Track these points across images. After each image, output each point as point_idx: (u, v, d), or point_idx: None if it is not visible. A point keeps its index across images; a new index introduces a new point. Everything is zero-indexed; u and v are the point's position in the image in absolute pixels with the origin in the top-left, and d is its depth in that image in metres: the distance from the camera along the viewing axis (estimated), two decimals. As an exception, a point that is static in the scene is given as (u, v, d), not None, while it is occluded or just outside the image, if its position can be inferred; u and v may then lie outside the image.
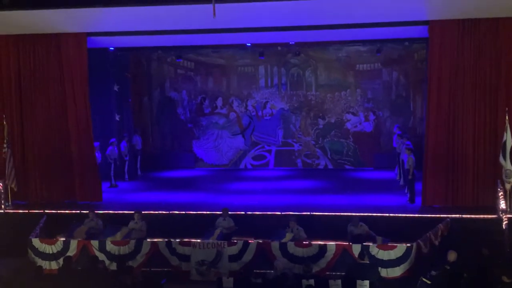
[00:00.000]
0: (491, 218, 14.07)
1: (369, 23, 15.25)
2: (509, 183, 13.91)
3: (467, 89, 14.90)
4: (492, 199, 14.55)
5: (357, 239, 13.00)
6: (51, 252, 13.37)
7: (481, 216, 14.22)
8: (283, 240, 12.96)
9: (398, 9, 14.48)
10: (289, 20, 15.34)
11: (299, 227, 13.22)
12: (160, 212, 15.13)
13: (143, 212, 14.21)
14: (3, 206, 15.90)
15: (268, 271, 11.88)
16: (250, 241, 13.15)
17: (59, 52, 16.36)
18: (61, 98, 16.56)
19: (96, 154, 17.84)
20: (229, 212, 13.94)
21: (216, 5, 12.04)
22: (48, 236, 14.31)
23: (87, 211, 14.56)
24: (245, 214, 14.59)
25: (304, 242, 12.93)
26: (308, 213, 14.55)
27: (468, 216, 14.26)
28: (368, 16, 14.88)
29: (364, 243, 12.64)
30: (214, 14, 11.85)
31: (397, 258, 12.37)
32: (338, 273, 12.13)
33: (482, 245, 11.77)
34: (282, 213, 14.55)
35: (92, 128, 16.77)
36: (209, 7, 12.03)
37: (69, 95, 16.48)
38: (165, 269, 12.91)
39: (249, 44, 19.14)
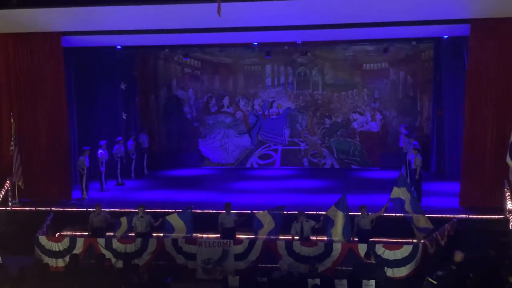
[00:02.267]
0: (498, 219, 14.02)
1: (398, 21, 15.14)
2: (516, 183, 13.86)
3: (507, 88, 14.72)
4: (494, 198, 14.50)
5: (363, 235, 13.02)
6: (57, 250, 13.41)
7: (488, 216, 14.18)
8: (292, 230, 13.12)
9: (440, 7, 14.34)
10: (296, 20, 15.32)
11: (308, 219, 13.21)
12: (166, 210, 15.14)
13: (150, 210, 14.22)
14: (10, 204, 15.96)
15: (274, 265, 11.93)
16: (255, 236, 13.24)
17: (40, 51, 16.49)
18: (43, 97, 16.60)
19: (103, 152, 17.93)
20: (235, 211, 13.94)
21: (224, 4, 12.04)
22: (55, 233, 14.41)
23: (93, 209, 14.61)
24: (251, 213, 14.58)
25: (311, 239, 13.01)
26: (314, 212, 14.52)
27: (475, 216, 14.24)
28: (401, 15, 14.76)
29: (371, 239, 12.70)
30: (219, 13, 11.85)
31: (403, 258, 12.35)
32: (345, 268, 12.18)
33: (488, 245, 11.74)
34: (288, 212, 14.54)
35: (68, 128, 16.83)
36: (216, 6, 12.05)
37: (47, 94, 16.56)
38: (171, 266, 12.95)
39: (256, 43, 19.16)
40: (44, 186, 16.66)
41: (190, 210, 13.76)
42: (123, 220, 13.82)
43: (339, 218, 12.89)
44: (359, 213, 13.33)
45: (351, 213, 13.73)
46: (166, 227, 13.67)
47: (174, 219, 13.66)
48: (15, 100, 16.60)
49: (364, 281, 10.65)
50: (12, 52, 16.52)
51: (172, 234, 13.53)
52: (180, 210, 13.83)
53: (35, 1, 15.35)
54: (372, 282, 10.60)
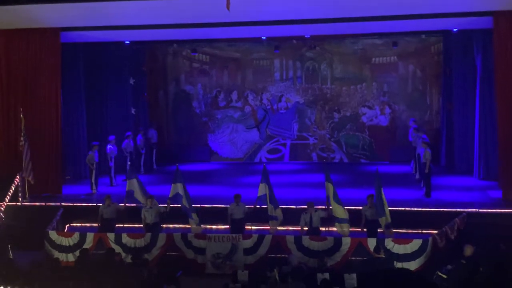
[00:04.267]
0: (508, 213, 13.93)
1: (411, 15, 15.01)
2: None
3: None
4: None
5: (371, 226, 13.02)
6: (67, 245, 13.50)
7: (498, 210, 14.11)
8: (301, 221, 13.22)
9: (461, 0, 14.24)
10: (304, 13, 15.26)
11: (317, 210, 13.23)
12: (175, 205, 15.17)
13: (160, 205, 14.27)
14: (20, 199, 16.04)
15: (283, 256, 12.01)
16: (264, 227, 13.46)
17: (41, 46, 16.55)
18: (39, 93, 16.65)
19: (112, 147, 17.98)
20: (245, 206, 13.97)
21: (232, -2, 12.04)
22: (65, 228, 14.50)
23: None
24: (260, 208, 14.59)
25: (321, 231, 13.15)
26: (324, 206, 14.50)
27: (485, 210, 14.16)
28: (415, 8, 14.62)
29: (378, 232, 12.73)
30: (228, 7, 11.84)
31: (412, 252, 12.34)
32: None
33: (499, 239, 11.68)
34: (297, 206, 14.55)
35: (60, 123, 16.82)
36: (225, 0, 12.03)
37: (43, 89, 16.60)
38: (181, 261, 13.01)
39: (264, 38, 19.12)
40: (38, 181, 16.65)
41: (176, 168, 14.09)
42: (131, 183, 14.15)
43: (330, 190, 13.04)
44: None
45: (360, 208, 13.80)
46: (176, 199, 13.87)
47: (175, 189, 13.85)
48: (13, 96, 16.67)
49: (374, 276, 10.62)
50: (10, 48, 16.57)
51: (184, 202, 13.74)
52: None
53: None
54: (382, 276, 10.56)
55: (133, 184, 14.19)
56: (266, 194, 13.59)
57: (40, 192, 16.61)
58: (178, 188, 13.82)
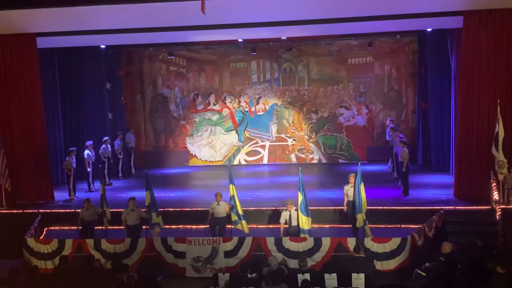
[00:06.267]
0: (485, 209, 14.13)
1: (385, 15, 15.03)
2: (501, 173, 13.93)
3: (500, 80, 14.60)
4: (486, 190, 14.59)
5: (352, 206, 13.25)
6: (46, 252, 13.38)
7: (475, 207, 14.27)
8: (281, 218, 13.27)
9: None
10: (280, 15, 15.31)
11: (296, 208, 13.28)
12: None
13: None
14: (-4, 207, 15.87)
15: (264, 256, 12.07)
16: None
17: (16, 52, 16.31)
18: (18, 99, 16.42)
19: (89, 152, 17.85)
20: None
21: (207, 1, 12.03)
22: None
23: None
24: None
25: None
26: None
27: (462, 207, 14.33)
28: (389, 8, 14.66)
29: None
30: (203, 10, 11.84)
31: (391, 250, 12.47)
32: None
33: (476, 236, 11.84)
34: (277, 207, 14.59)
35: (44, 130, 16.66)
36: (200, 3, 12.02)
37: (23, 96, 16.38)
38: (161, 265, 12.97)
39: (241, 40, 19.14)
40: (26, 188, 16.51)
41: (145, 175, 14.00)
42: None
43: (299, 199, 13.07)
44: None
45: (339, 208, 13.89)
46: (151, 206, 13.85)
47: (147, 197, 13.76)
48: None
49: (354, 275, 10.68)
50: None
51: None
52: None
53: (13, 2, 15.15)
54: (362, 275, 10.64)
55: (101, 190, 14.25)
56: (234, 195, 13.58)
57: (33, 199, 16.44)
58: (148, 196, 13.72)
